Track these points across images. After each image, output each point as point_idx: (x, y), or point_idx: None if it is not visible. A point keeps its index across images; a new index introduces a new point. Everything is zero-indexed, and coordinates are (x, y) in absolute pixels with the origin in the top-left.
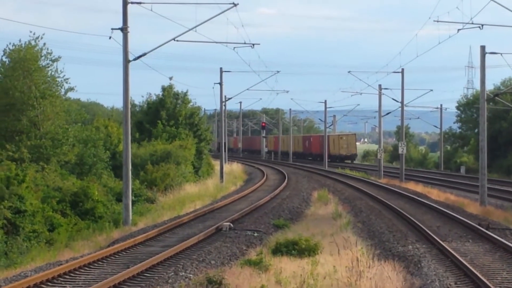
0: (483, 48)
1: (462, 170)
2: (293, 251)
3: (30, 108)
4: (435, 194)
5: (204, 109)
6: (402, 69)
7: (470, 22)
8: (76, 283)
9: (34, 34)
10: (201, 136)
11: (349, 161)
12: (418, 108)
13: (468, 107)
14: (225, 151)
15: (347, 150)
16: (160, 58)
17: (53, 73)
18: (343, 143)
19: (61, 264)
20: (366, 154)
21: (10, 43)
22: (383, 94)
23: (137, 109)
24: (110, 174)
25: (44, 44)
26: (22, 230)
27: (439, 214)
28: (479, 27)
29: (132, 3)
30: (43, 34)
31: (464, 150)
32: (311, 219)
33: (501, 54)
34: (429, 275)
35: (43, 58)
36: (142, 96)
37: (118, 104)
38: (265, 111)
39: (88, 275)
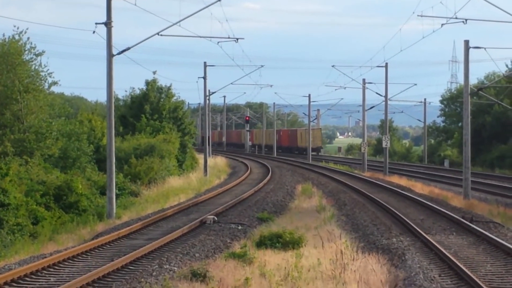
0: (467, 42)
1: (446, 163)
2: (277, 244)
3: (14, 102)
4: (419, 187)
5: (188, 103)
6: (386, 63)
7: (454, 17)
8: (60, 276)
9: (18, 28)
10: (185, 130)
11: (315, 153)
12: (402, 102)
13: (452, 101)
14: (209, 145)
15: (313, 143)
16: (144, 53)
17: (36, 67)
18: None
19: (45, 257)
20: (350, 148)
21: None
22: (367, 88)
23: (121, 103)
24: (94, 167)
25: (28, 38)
26: (6, 223)
27: (423, 207)
28: (463, 21)
29: None
30: (27, 29)
31: (448, 143)
32: (295, 212)
33: (484, 48)
34: (413, 267)
35: (26, 52)
36: (126, 91)
37: (102, 98)
38: (249, 105)
39: (72, 268)
